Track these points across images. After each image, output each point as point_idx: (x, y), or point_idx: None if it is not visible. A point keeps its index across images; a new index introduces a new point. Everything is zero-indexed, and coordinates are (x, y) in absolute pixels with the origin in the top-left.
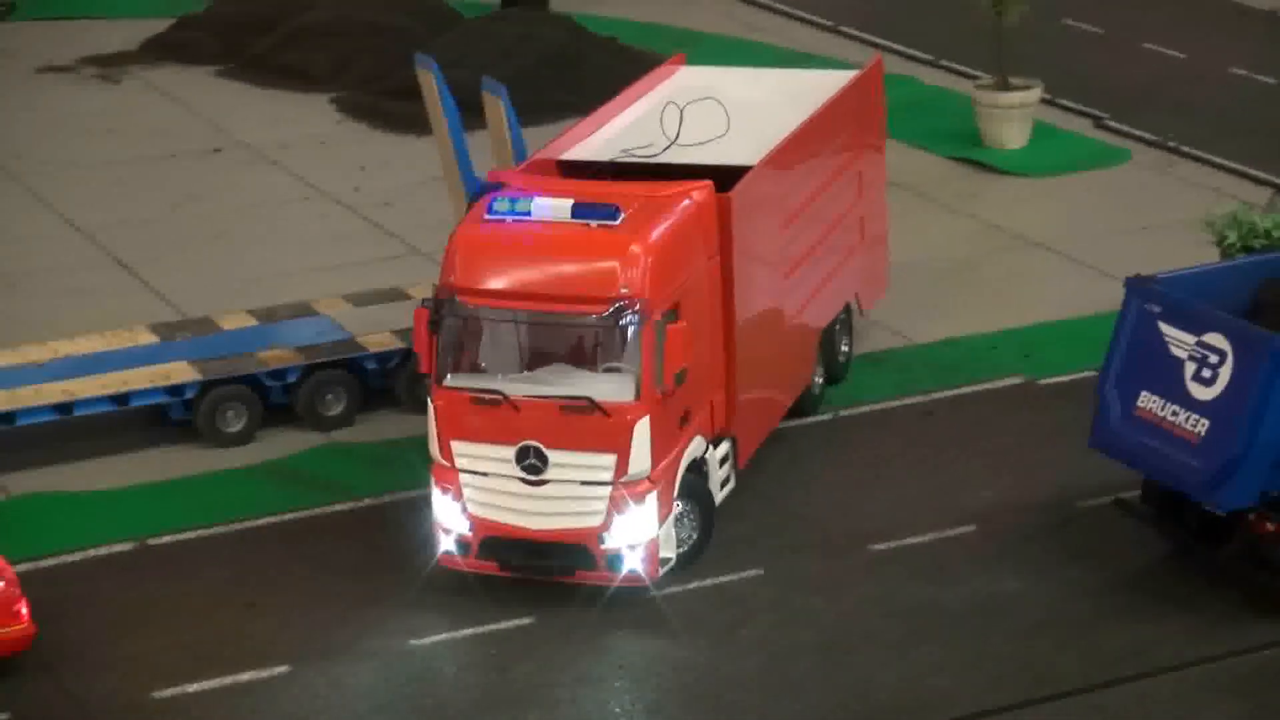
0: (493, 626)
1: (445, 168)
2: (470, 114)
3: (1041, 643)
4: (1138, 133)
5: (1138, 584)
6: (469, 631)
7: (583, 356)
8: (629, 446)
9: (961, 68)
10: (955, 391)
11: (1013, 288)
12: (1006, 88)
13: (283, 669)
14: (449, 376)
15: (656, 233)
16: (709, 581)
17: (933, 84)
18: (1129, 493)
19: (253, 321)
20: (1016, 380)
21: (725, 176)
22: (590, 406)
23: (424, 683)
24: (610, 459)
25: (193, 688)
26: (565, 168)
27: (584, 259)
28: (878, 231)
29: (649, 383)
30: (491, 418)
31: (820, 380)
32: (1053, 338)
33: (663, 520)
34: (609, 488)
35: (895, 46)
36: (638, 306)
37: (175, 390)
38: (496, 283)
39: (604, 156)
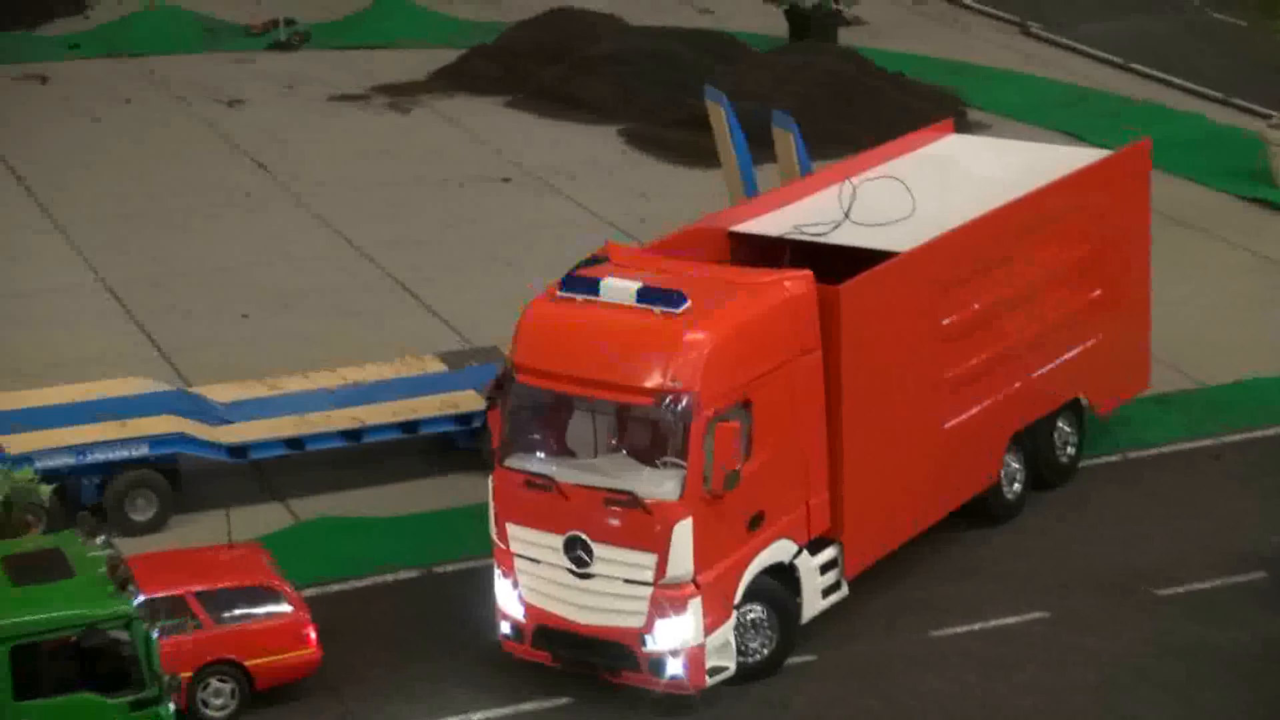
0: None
1: (734, 199)
2: (758, 146)
3: None
4: None
5: None
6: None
7: (639, 448)
8: (668, 548)
9: (1252, 105)
10: (1244, 435)
11: None
12: None
13: (564, 700)
14: (509, 457)
15: (720, 324)
16: (990, 621)
17: (1222, 121)
18: None
19: None
20: None
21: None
22: (633, 501)
23: None
24: (651, 558)
25: (476, 716)
26: (735, 239)
27: (638, 346)
28: (1131, 326)
29: (694, 482)
30: (542, 503)
31: (1019, 486)
32: None
33: (712, 628)
34: (650, 588)
35: (1183, 83)
36: (685, 401)
37: (463, 419)
38: (552, 364)
39: (775, 231)
